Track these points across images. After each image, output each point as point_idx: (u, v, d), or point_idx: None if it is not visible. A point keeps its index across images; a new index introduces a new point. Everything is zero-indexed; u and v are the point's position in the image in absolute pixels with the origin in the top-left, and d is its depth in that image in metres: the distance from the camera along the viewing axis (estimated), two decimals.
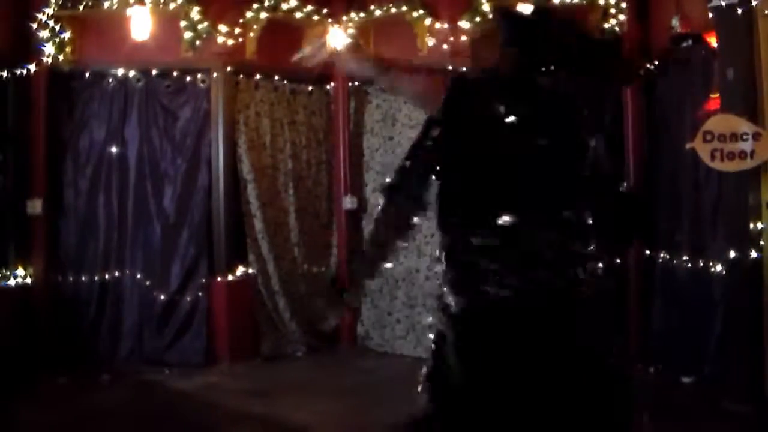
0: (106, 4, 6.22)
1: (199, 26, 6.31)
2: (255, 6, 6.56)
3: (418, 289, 6.72)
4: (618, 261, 6.40)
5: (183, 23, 6.31)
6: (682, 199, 5.69)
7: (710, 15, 5.05)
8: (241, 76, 6.70)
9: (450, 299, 2.56)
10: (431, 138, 2.64)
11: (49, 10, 6.19)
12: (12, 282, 6.15)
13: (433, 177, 2.60)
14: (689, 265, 5.57)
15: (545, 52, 2.59)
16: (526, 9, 2.63)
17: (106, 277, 6.49)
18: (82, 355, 6.25)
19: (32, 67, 6.24)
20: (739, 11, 4.78)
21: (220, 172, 6.54)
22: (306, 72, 6.96)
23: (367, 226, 7.12)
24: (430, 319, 2.66)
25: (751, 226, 4.78)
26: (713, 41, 5.19)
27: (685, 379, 5.37)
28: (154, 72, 6.52)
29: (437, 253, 2.64)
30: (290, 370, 6.40)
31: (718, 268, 5.17)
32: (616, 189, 2.69)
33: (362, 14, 6.83)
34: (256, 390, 5.70)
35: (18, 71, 6.22)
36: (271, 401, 5.42)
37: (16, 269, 6.22)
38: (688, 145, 4.97)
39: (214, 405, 5.39)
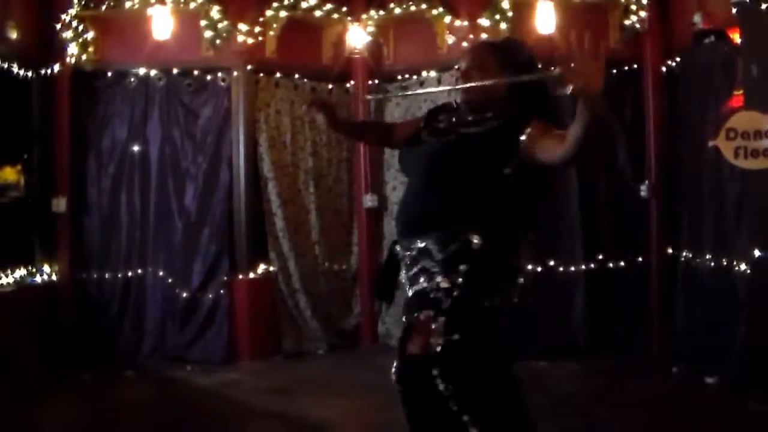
0: (128, 4, 6.27)
1: (220, 25, 6.34)
2: (275, 5, 6.56)
3: None
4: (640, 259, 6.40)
5: (203, 22, 6.34)
6: (704, 197, 5.63)
7: (733, 10, 4.99)
8: (262, 74, 6.72)
9: None
10: None
11: (73, 11, 6.25)
12: (38, 279, 6.24)
13: None
14: (712, 264, 5.51)
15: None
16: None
17: (129, 274, 6.55)
18: (105, 352, 6.32)
19: (56, 67, 6.32)
20: (763, 6, 4.72)
21: (241, 170, 6.57)
22: (326, 70, 7.07)
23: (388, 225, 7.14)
24: None
25: None
26: (736, 37, 5.13)
27: (709, 380, 5.30)
28: (175, 71, 6.56)
29: None
30: (311, 367, 6.42)
31: (742, 267, 5.11)
32: None
33: (382, 12, 6.81)
34: (276, 387, 5.72)
35: (42, 71, 6.30)
36: (292, 398, 5.44)
37: (42, 266, 6.31)
38: (711, 143, 4.93)
39: (235, 402, 5.42)
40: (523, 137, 2.48)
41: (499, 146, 2.52)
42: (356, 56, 6.97)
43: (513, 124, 2.54)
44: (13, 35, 5.83)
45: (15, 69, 6.05)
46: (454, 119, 2.74)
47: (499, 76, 2.61)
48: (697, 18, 5.57)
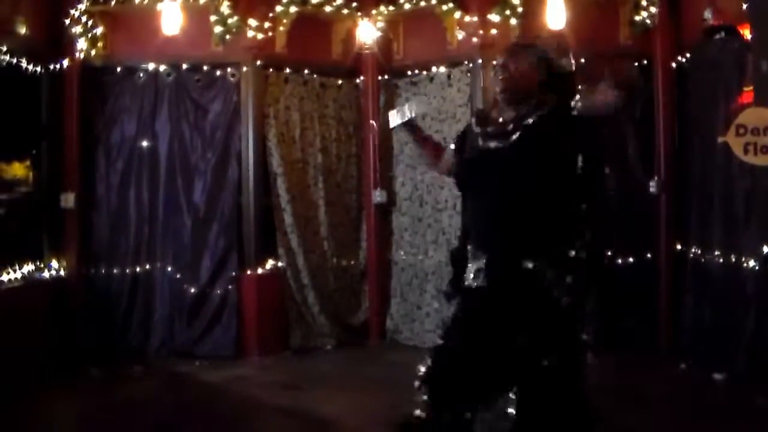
0: (137, 0, 6.28)
1: (229, 20, 6.34)
2: (284, 0, 6.57)
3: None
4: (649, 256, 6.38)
5: (213, 18, 6.34)
6: (714, 193, 5.62)
7: (744, 6, 4.97)
8: (271, 70, 6.72)
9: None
10: None
11: (82, 6, 6.26)
12: (46, 274, 6.25)
13: None
14: (721, 260, 5.50)
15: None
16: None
17: (138, 270, 6.57)
18: (114, 347, 6.34)
19: (65, 62, 6.33)
20: None
21: (250, 165, 6.58)
22: (336, 65, 7.06)
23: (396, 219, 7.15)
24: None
25: None
26: (747, 33, 5.11)
27: (717, 376, 5.31)
28: (184, 66, 6.58)
29: None
30: (319, 363, 6.43)
31: (751, 263, 5.10)
32: None
33: (391, 7, 6.81)
34: (285, 383, 5.74)
35: (51, 66, 6.30)
36: (300, 394, 5.45)
37: (51, 262, 6.32)
38: (720, 139, 4.90)
39: (244, 397, 5.43)
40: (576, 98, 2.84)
41: (564, 119, 2.83)
42: (366, 52, 6.97)
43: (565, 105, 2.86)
44: (22, 30, 5.83)
45: (24, 64, 6.04)
46: (503, 119, 2.93)
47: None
48: (707, 14, 5.55)
